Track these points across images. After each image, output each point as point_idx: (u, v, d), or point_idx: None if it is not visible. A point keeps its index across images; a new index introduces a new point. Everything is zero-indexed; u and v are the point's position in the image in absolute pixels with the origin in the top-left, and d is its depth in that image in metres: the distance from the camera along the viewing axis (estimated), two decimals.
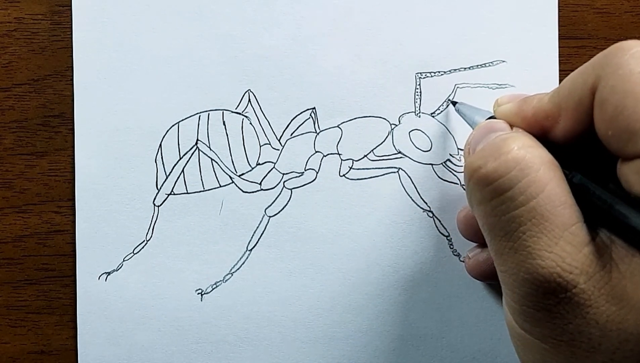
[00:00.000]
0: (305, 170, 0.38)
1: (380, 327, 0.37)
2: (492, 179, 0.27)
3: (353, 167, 0.38)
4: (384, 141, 0.38)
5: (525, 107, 0.30)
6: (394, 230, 0.38)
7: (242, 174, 0.38)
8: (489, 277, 0.35)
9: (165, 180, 0.37)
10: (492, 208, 0.27)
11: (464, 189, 0.37)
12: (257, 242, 0.37)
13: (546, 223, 0.26)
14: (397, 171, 0.37)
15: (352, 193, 0.38)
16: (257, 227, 0.37)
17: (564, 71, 0.38)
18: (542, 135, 0.29)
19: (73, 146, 0.37)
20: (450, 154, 0.37)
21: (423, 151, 0.38)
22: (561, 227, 0.26)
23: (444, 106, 0.38)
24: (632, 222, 0.25)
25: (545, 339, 0.27)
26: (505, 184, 0.27)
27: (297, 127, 0.38)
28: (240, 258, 0.37)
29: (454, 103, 0.37)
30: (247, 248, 0.37)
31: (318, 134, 0.38)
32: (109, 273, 0.37)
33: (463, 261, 0.37)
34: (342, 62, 0.38)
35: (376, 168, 0.38)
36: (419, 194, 0.37)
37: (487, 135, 0.30)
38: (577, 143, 0.29)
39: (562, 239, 0.26)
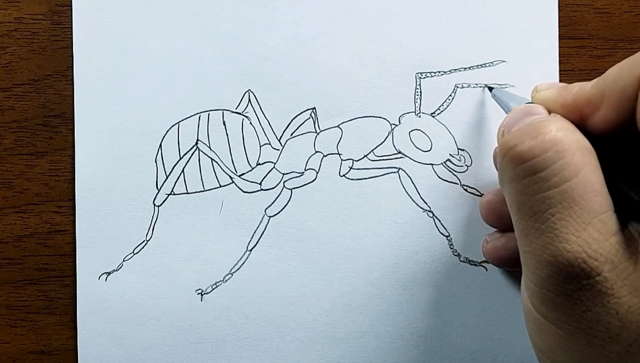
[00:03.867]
0: (305, 170, 0.38)
1: (380, 327, 0.37)
2: (527, 157, 0.27)
3: (353, 167, 0.38)
4: (384, 141, 0.38)
5: (565, 94, 0.30)
6: (394, 229, 0.38)
7: (242, 174, 0.38)
8: (504, 263, 0.36)
9: (166, 180, 0.37)
10: (524, 186, 0.27)
11: (464, 189, 0.38)
12: (257, 242, 0.37)
13: (576, 208, 0.26)
14: (397, 171, 0.37)
15: (352, 193, 0.38)
16: (257, 227, 0.37)
17: (564, 71, 0.38)
18: (580, 123, 0.29)
19: (73, 146, 0.37)
20: (450, 154, 0.37)
21: (423, 151, 0.37)
22: (591, 213, 0.26)
23: (482, 89, 0.38)
24: None
25: (562, 325, 0.26)
26: (539, 164, 0.26)
27: (297, 128, 0.38)
28: (240, 258, 0.37)
29: (490, 88, 0.37)
30: (247, 248, 0.37)
31: (318, 134, 0.38)
32: (109, 273, 0.37)
33: (463, 262, 0.37)
34: (342, 62, 0.38)
35: (376, 168, 0.38)
36: (419, 194, 0.37)
37: (524, 118, 0.30)
38: (615, 134, 0.28)
39: (590, 225, 0.26)
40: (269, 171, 0.38)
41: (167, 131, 0.37)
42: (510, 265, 0.36)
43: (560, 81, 0.38)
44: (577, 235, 0.26)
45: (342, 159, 0.38)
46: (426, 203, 0.37)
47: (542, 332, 0.28)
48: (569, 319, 0.26)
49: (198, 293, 0.37)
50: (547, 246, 0.26)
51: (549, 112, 0.30)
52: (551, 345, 0.27)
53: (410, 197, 0.37)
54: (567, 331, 0.26)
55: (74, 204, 0.37)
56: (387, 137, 0.38)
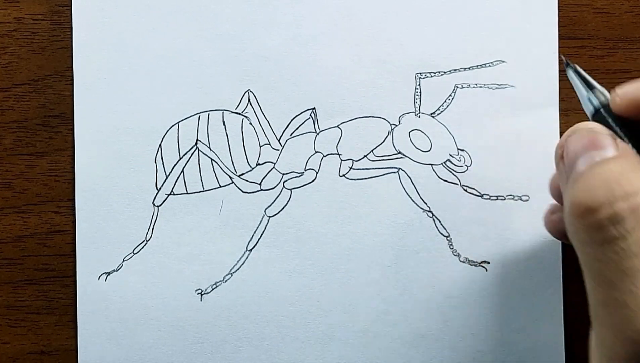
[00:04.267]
0: (305, 170, 0.38)
1: (380, 327, 0.37)
2: (606, 226, 0.24)
3: (353, 167, 0.38)
4: (383, 141, 0.38)
5: None
6: (394, 229, 0.37)
7: (242, 174, 0.38)
8: (566, 237, 0.32)
9: (165, 180, 0.37)
10: (603, 253, 0.24)
11: (464, 189, 0.38)
12: (257, 242, 0.37)
13: None
14: (397, 172, 0.37)
15: (352, 193, 0.38)
16: (257, 227, 0.37)
17: (564, 71, 0.38)
18: None
19: (73, 146, 0.37)
20: (450, 155, 0.37)
21: (423, 151, 0.37)
22: None
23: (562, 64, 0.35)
24: None
25: None
26: (620, 233, 0.24)
27: (297, 128, 0.38)
28: (240, 258, 0.37)
29: (568, 64, 0.32)
30: (247, 248, 0.37)
31: (318, 134, 0.38)
32: (109, 273, 0.37)
33: (463, 262, 0.37)
34: (342, 62, 0.38)
35: (376, 168, 0.38)
36: (419, 194, 0.37)
37: (589, 152, 0.26)
38: None
39: None
40: (269, 171, 0.38)
41: (167, 131, 0.37)
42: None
43: (560, 81, 0.38)
44: None
45: (341, 160, 0.38)
46: (426, 203, 0.37)
47: None
48: None
49: (198, 293, 0.37)
50: (630, 320, 0.23)
51: (618, 129, 0.27)
52: None
53: (410, 197, 0.37)
54: None
55: (74, 204, 0.37)
56: (387, 137, 0.38)
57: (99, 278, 0.37)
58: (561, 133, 0.38)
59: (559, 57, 0.37)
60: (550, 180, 0.35)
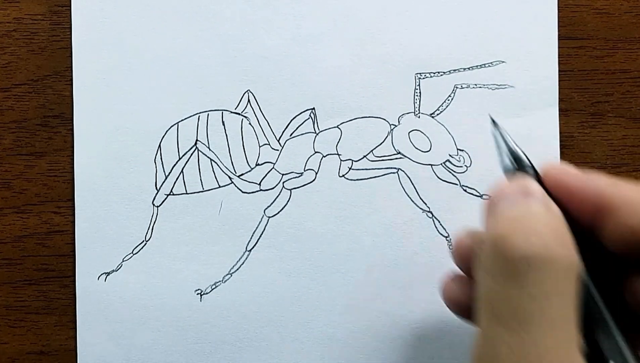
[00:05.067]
0: (304, 171, 0.38)
1: (380, 327, 0.37)
2: (517, 261, 0.24)
3: (352, 167, 0.38)
4: (383, 142, 0.38)
5: (583, 177, 0.27)
6: (394, 230, 0.37)
7: (242, 174, 0.38)
8: (462, 310, 0.32)
9: (165, 180, 0.37)
10: (500, 286, 0.24)
11: (464, 189, 0.38)
12: (256, 242, 0.37)
13: (554, 332, 0.23)
14: (397, 172, 0.37)
15: (351, 193, 0.38)
16: (257, 227, 0.37)
17: (564, 72, 0.38)
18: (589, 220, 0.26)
19: (72, 146, 0.37)
20: (450, 155, 0.37)
21: (422, 151, 0.37)
22: (557, 343, 0.23)
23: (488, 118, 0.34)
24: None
25: None
26: (535, 276, 0.24)
27: (297, 128, 0.38)
28: (240, 259, 0.37)
29: (495, 124, 0.31)
30: (246, 248, 0.37)
31: (317, 134, 0.38)
32: (108, 273, 0.37)
33: None
34: (342, 62, 0.38)
35: (376, 169, 0.38)
36: (419, 194, 0.37)
37: (520, 199, 0.26)
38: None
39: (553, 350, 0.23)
40: (268, 172, 0.38)
41: (167, 131, 0.37)
42: (465, 314, 0.32)
43: (560, 81, 0.38)
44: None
45: (341, 160, 0.38)
46: (425, 204, 0.37)
47: None
48: None
49: (197, 294, 0.37)
50: (500, 358, 0.24)
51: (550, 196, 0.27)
52: None
53: (410, 197, 0.37)
54: None
55: (74, 204, 0.37)
56: (386, 137, 0.38)
57: (98, 278, 0.37)
58: (561, 133, 0.38)
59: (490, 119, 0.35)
60: (453, 247, 0.32)
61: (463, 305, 0.31)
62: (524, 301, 0.24)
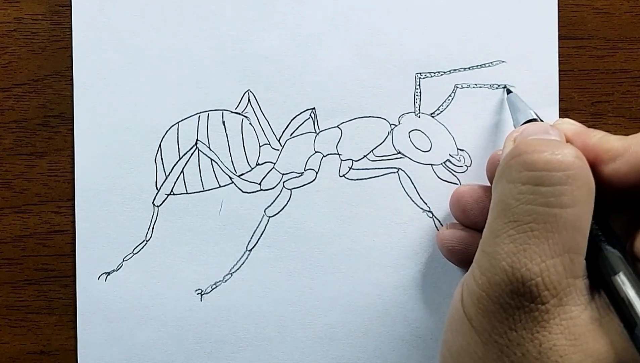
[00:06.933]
0: (304, 170, 0.38)
1: (380, 327, 0.37)
2: (538, 167, 0.26)
3: (353, 167, 0.38)
4: (383, 141, 0.38)
5: (586, 135, 0.30)
6: (394, 230, 0.37)
7: (242, 174, 0.38)
8: (453, 255, 0.35)
9: (165, 180, 0.37)
10: (520, 192, 0.27)
11: None
12: (256, 242, 0.37)
13: (557, 235, 0.26)
14: (397, 172, 0.37)
15: (351, 193, 0.38)
16: (257, 227, 0.37)
17: (564, 71, 0.38)
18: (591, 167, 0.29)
19: (73, 146, 0.37)
20: (450, 155, 0.37)
21: (423, 151, 0.37)
22: (566, 248, 0.26)
23: (499, 89, 0.37)
24: (622, 295, 0.26)
25: (483, 333, 0.27)
26: (546, 179, 0.26)
27: (297, 128, 0.38)
28: (240, 259, 0.37)
29: (509, 91, 0.37)
30: (246, 248, 0.37)
31: (318, 134, 0.38)
32: (108, 273, 0.37)
33: None
34: (342, 62, 0.38)
35: (376, 168, 0.38)
36: (419, 194, 0.37)
37: (545, 133, 0.29)
38: (613, 192, 0.29)
39: (560, 257, 0.26)
40: (269, 172, 0.38)
41: (167, 131, 0.37)
42: (457, 260, 0.35)
43: (560, 81, 0.38)
44: (543, 259, 0.26)
45: (341, 160, 0.38)
46: (426, 203, 0.37)
47: (459, 332, 0.28)
48: (492, 330, 0.26)
49: (198, 293, 0.37)
50: (511, 255, 0.26)
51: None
52: (462, 346, 0.27)
53: (410, 197, 0.37)
54: (485, 340, 0.26)
55: (74, 204, 0.37)
56: (386, 137, 0.38)
57: (98, 278, 0.37)
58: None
59: (503, 87, 0.38)
60: (454, 191, 0.36)
61: (456, 251, 0.35)
62: (541, 205, 0.26)
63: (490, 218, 0.28)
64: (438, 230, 0.37)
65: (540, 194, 0.26)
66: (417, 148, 0.38)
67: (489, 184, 0.35)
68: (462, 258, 0.35)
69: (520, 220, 0.26)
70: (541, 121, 0.33)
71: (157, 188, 0.37)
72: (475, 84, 0.37)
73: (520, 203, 0.27)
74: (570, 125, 0.31)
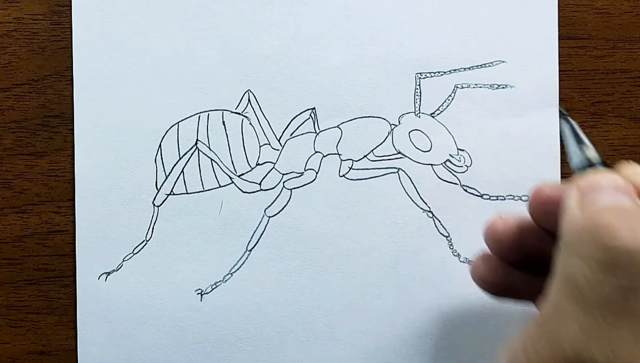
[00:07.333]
0: (305, 170, 0.38)
1: (380, 327, 0.37)
2: (616, 253, 0.24)
3: (353, 167, 0.38)
4: (383, 141, 0.38)
5: None
6: (394, 230, 0.38)
7: (242, 174, 0.38)
8: (487, 287, 0.32)
9: (165, 180, 0.37)
10: (593, 274, 0.24)
11: (464, 189, 0.38)
12: (256, 242, 0.37)
13: (630, 327, 0.24)
14: (397, 172, 0.37)
15: (351, 193, 0.38)
16: (257, 227, 0.37)
17: (564, 71, 0.38)
18: None
19: (73, 146, 0.37)
20: (450, 155, 0.37)
21: (423, 151, 0.37)
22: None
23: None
24: None
25: None
26: (623, 267, 0.23)
27: (297, 128, 0.38)
28: (240, 259, 0.37)
29: (567, 119, 0.31)
30: (246, 248, 0.37)
31: (318, 134, 0.38)
32: (108, 273, 0.37)
33: (463, 262, 0.37)
34: (342, 62, 0.38)
35: (376, 168, 0.38)
36: (419, 194, 0.37)
37: (616, 191, 0.26)
38: None
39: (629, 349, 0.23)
40: (269, 172, 0.38)
41: (167, 131, 0.37)
42: (489, 290, 0.32)
43: (560, 81, 0.38)
44: (613, 350, 0.23)
45: (341, 160, 0.38)
46: (426, 203, 0.37)
47: None
48: None
49: (198, 293, 0.37)
50: (577, 341, 0.24)
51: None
52: None
53: (410, 197, 0.37)
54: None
55: (74, 204, 0.37)
56: (386, 137, 0.38)
57: (98, 278, 0.37)
58: (561, 133, 0.38)
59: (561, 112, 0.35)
60: (485, 229, 0.32)
61: (490, 283, 0.32)
62: (614, 291, 0.23)
63: (554, 291, 0.25)
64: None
65: (618, 286, 0.24)
66: (417, 148, 0.38)
67: (521, 214, 0.32)
68: (496, 289, 0.32)
69: (591, 305, 0.24)
70: (599, 156, 0.29)
71: (157, 188, 0.37)
72: (475, 84, 0.38)
73: (592, 288, 0.24)
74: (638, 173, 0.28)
